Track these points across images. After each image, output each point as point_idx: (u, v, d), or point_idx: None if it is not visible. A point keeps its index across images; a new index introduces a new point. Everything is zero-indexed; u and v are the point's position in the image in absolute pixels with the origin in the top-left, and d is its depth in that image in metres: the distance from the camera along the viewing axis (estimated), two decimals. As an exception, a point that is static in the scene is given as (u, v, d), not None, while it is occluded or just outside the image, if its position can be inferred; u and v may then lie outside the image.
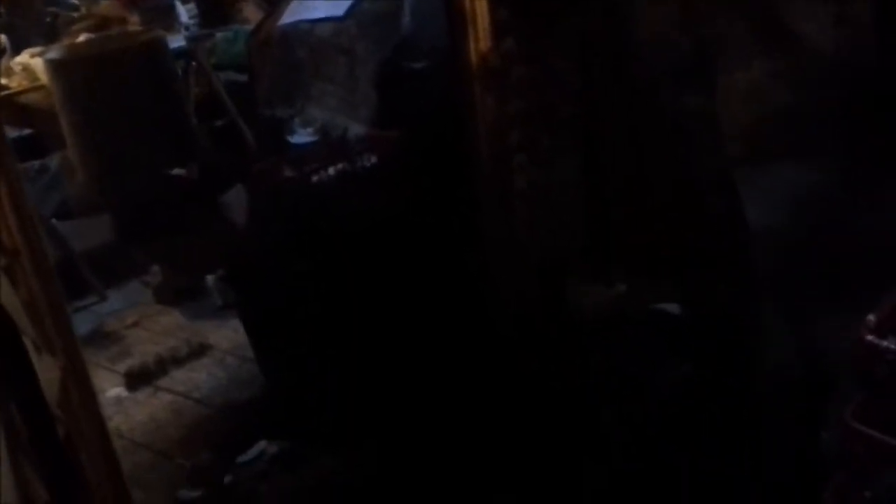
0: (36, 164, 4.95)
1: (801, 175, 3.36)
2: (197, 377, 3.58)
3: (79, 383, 2.09)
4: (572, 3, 2.76)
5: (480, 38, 2.61)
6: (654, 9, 2.94)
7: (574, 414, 2.61)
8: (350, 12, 3.53)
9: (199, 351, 3.74)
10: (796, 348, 2.60)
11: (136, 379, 3.58)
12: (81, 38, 4.71)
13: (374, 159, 3.32)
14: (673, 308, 2.64)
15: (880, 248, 2.78)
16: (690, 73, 3.01)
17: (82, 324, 4.13)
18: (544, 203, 2.95)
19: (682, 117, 2.98)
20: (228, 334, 3.72)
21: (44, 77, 4.39)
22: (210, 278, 4.10)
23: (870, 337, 1.91)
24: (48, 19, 5.25)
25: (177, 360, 3.67)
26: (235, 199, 3.52)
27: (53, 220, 4.45)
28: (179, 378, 3.58)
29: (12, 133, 5.08)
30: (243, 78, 5.07)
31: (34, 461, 1.79)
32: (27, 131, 5.02)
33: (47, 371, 1.88)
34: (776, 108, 3.43)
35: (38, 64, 4.51)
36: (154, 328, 4.02)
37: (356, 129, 3.82)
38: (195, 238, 3.98)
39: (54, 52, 4.33)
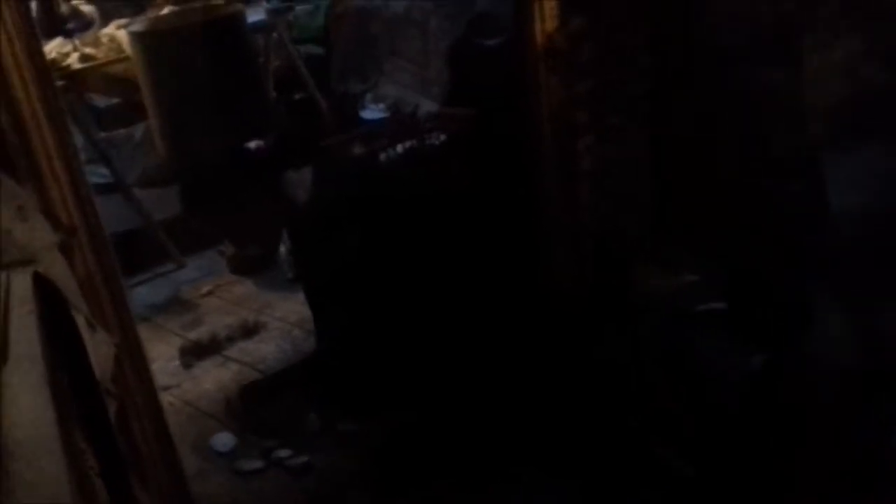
0: (122, 132, 5.09)
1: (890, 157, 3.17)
2: (264, 348, 3.62)
3: (133, 358, 2.13)
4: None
5: (546, 17, 2.54)
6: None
7: (625, 399, 2.55)
8: (423, -14, 3.49)
9: (267, 323, 3.79)
10: (872, 341, 2.47)
11: (205, 348, 3.65)
12: (165, 10, 4.78)
13: (443, 137, 3.29)
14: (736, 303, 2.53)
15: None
16: (772, 49, 2.87)
17: (160, 291, 4.24)
18: (612, 184, 2.87)
19: (761, 95, 2.85)
20: (296, 307, 3.75)
21: (128, 49, 4.48)
22: (282, 250, 4.13)
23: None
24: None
25: (245, 331, 3.73)
26: (305, 174, 3.54)
27: (135, 189, 4.57)
28: (247, 349, 3.63)
29: (102, 102, 5.26)
30: (322, 51, 5.10)
31: (85, 432, 1.83)
32: (115, 101, 5.16)
33: (100, 346, 1.91)
34: (866, 87, 3.24)
35: (123, 35, 4.60)
36: (227, 298, 4.09)
37: (427, 106, 3.79)
38: (266, 210, 4.02)
39: (137, 25, 4.41)
